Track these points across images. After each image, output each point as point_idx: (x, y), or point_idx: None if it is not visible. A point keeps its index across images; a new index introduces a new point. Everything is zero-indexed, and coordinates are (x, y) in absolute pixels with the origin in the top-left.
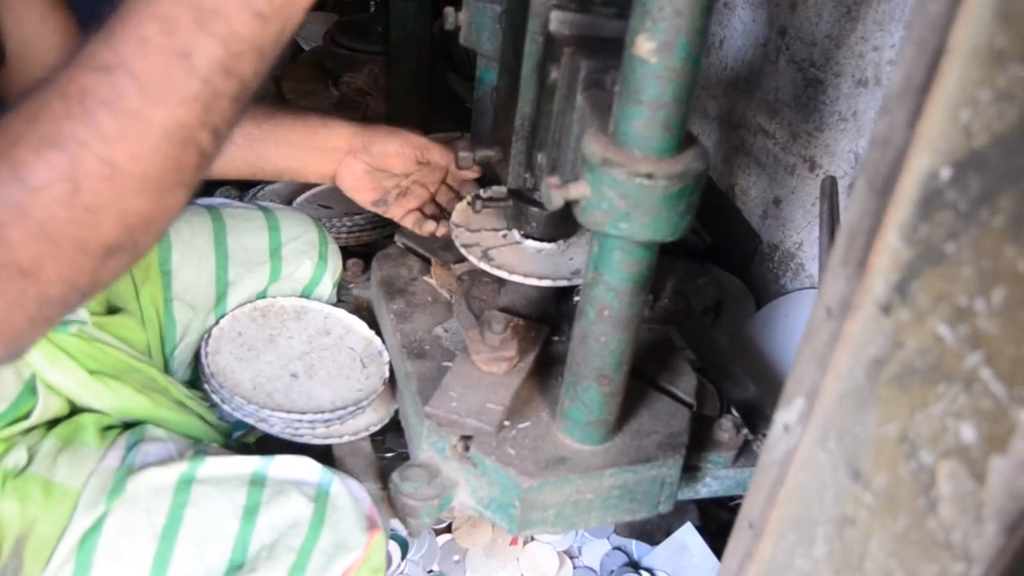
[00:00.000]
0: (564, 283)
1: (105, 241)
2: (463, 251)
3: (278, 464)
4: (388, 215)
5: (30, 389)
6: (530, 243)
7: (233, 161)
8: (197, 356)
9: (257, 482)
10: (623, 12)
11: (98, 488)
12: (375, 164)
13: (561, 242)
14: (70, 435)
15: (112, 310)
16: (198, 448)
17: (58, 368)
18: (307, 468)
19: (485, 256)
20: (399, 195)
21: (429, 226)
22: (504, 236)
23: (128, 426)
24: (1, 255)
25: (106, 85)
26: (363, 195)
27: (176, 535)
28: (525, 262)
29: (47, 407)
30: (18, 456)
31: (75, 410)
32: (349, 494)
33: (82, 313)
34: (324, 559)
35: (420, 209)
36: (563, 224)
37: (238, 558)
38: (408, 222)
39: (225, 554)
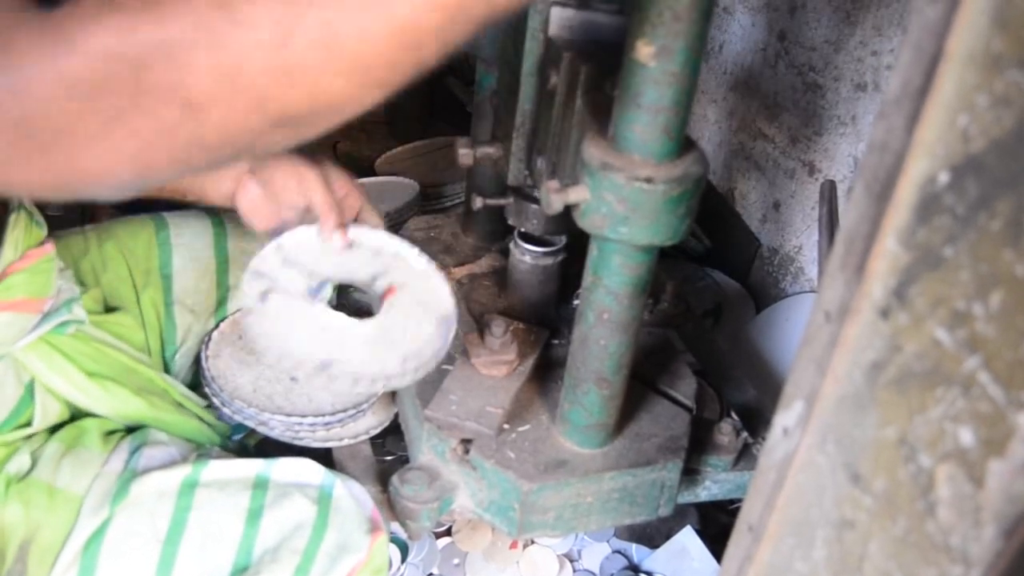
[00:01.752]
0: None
1: (285, 108)
2: None
3: (281, 467)
4: None
5: (30, 394)
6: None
7: None
8: (197, 359)
9: (260, 485)
10: (623, 9)
11: (102, 493)
12: (269, 191)
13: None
14: (73, 439)
15: (110, 309)
16: (201, 452)
17: (56, 371)
18: (310, 471)
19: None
20: (298, 224)
21: None
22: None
23: (131, 430)
24: (174, 75)
25: None
26: (258, 221)
27: (180, 539)
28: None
29: (46, 412)
30: (21, 461)
31: (76, 415)
32: (351, 496)
33: (79, 312)
34: (328, 561)
35: None
36: (564, 221)
37: (242, 561)
38: None
39: (229, 557)
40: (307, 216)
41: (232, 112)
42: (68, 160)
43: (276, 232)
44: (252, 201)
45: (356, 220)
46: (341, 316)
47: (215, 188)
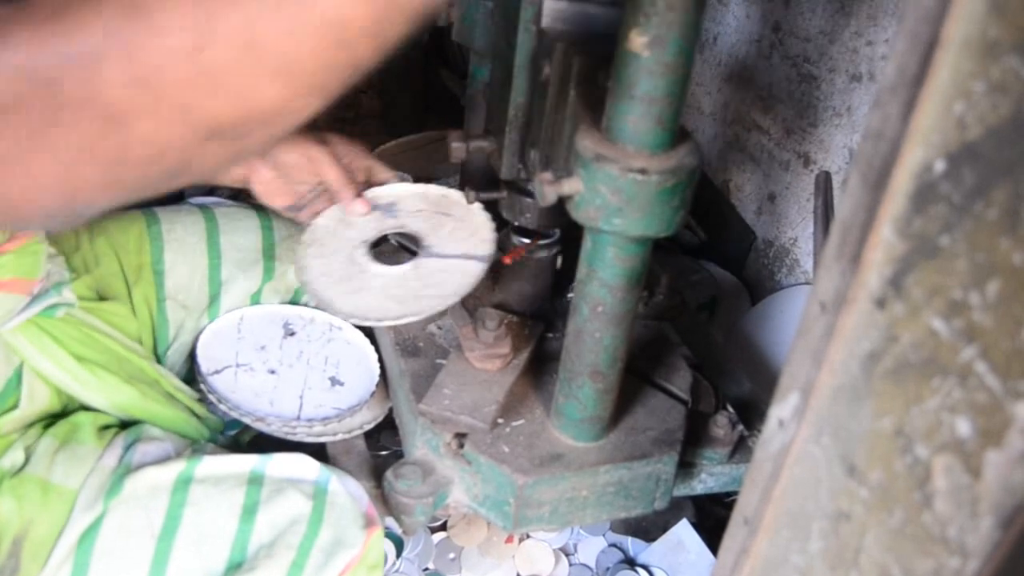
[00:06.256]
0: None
1: (214, 117)
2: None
3: (276, 462)
4: (299, 220)
5: (18, 377)
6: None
7: None
8: (192, 356)
9: (255, 481)
10: (616, 0)
11: (96, 488)
12: (281, 172)
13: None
14: (67, 434)
15: (103, 299)
16: (195, 447)
17: (46, 354)
18: (305, 466)
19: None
20: (315, 198)
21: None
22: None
23: (125, 425)
24: (89, 89)
25: None
26: (275, 200)
27: (175, 535)
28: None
29: (34, 396)
30: (15, 456)
31: (68, 408)
32: (347, 492)
33: (69, 295)
34: (323, 557)
35: None
36: (558, 214)
37: (237, 557)
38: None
39: (224, 553)
40: (319, 186)
41: (156, 124)
42: None
43: (294, 208)
44: (267, 183)
45: (369, 180)
46: (387, 267)
47: (226, 172)
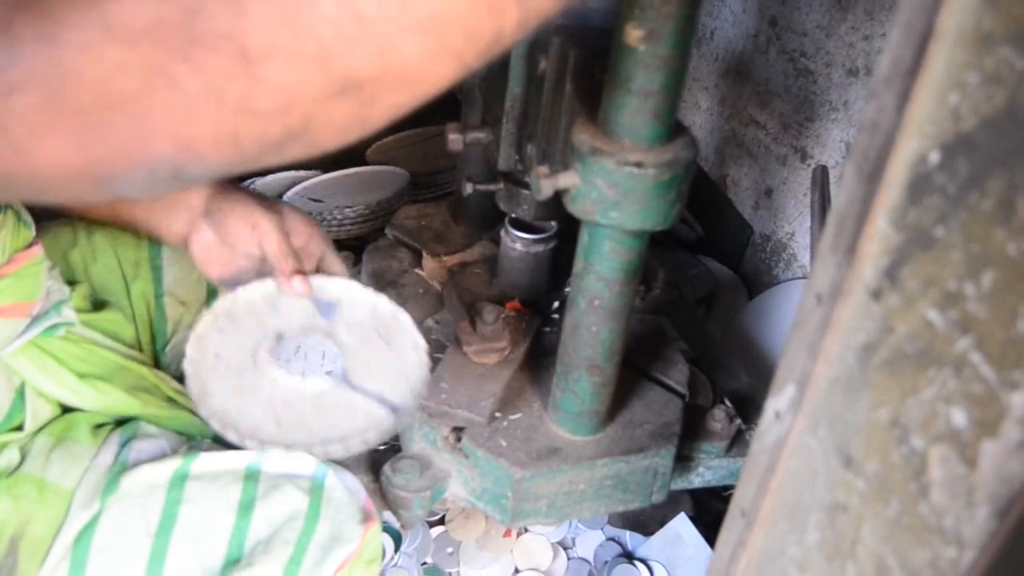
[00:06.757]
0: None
1: (351, 68)
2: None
3: (272, 458)
4: None
5: (21, 399)
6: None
7: (96, 203)
8: None
9: (251, 477)
10: None
11: (92, 486)
12: (222, 237)
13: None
14: (62, 432)
15: (97, 304)
16: (191, 444)
17: (47, 374)
18: (301, 461)
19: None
20: (255, 277)
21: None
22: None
23: (120, 422)
24: (230, 19)
25: None
26: (211, 269)
27: (171, 532)
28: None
29: (37, 415)
30: (10, 456)
31: (67, 410)
32: (344, 486)
33: (69, 314)
34: (320, 552)
35: None
36: (555, 207)
37: (234, 553)
38: None
39: (221, 550)
40: (264, 266)
41: (290, 69)
42: (101, 128)
43: (231, 282)
44: (206, 247)
45: (319, 268)
46: (287, 377)
47: (168, 226)
